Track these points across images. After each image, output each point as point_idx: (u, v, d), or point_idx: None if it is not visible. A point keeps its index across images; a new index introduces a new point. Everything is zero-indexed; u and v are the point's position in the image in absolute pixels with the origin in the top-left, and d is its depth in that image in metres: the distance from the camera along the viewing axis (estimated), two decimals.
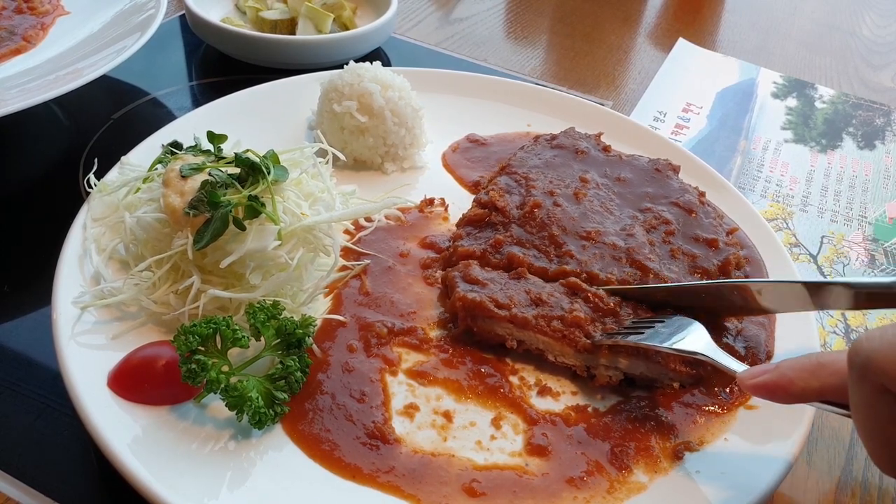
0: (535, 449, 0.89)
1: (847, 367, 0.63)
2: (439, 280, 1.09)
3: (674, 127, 1.63)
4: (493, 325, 0.98)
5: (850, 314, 1.22)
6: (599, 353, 0.95)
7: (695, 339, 0.91)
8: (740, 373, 0.81)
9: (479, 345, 1.00)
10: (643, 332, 0.93)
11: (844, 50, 2.06)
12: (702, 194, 1.21)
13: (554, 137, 1.30)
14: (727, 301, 0.99)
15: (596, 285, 1.02)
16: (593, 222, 1.11)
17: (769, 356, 1.02)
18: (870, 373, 0.60)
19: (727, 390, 0.96)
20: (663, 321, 0.96)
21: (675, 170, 1.25)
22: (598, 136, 1.33)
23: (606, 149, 1.29)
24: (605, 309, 0.99)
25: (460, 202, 1.23)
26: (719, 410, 0.95)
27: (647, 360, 0.95)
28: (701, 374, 0.96)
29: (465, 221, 1.14)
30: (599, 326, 0.98)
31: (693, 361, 0.94)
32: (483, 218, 1.13)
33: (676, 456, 0.89)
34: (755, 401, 0.95)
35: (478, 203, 1.16)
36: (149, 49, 1.36)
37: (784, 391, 0.74)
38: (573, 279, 1.02)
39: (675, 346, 0.90)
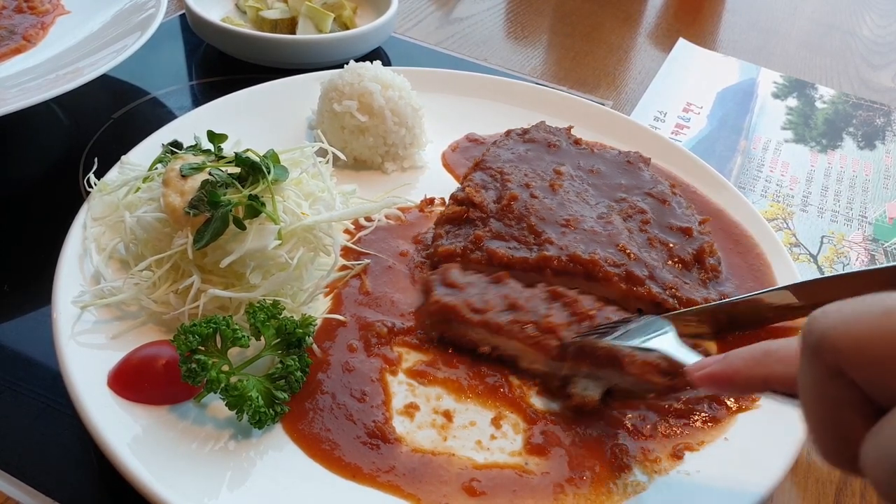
0: (534, 448, 0.89)
1: (799, 348, 0.58)
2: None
3: (674, 127, 1.63)
4: (466, 330, 0.97)
5: None
6: (566, 359, 0.93)
7: (657, 337, 0.88)
8: (688, 365, 0.78)
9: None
10: (607, 332, 0.91)
11: (844, 50, 2.06)
12: (673, 185, 1.23)
13: (525, 132, 1.31)
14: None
15: (581, 265, 1.03)
16: (571, 211, 1.12)
17: None
18: (823, 352, 0.54)
19: (709, 405, 0.95)
20: (630, 320, 0.93)
21: (646, 161, 1.27)
22: (569, 129, 1.34)
23: (577, 141, 1.31)
24: (582, 314, 0.97)
25: None
26: (720, 414, 0.94)
27: (620, 369, 0.90)
28: (678, 385, 0.90)
29: (444, 220, 1.14)
30: (574, 331, 0.95)
31: (671, 372, 0.91)
32: (461, 215, 1.13)
33: (676, 456, 0.89)
34: (756, 402, 0.95)
35: (454, 200, 1.16)
36: (149, 48, 1.36)
37: (729, 381, 0.71)
38: (558, 288, 1.01)
39: (630, 344, 0.87)
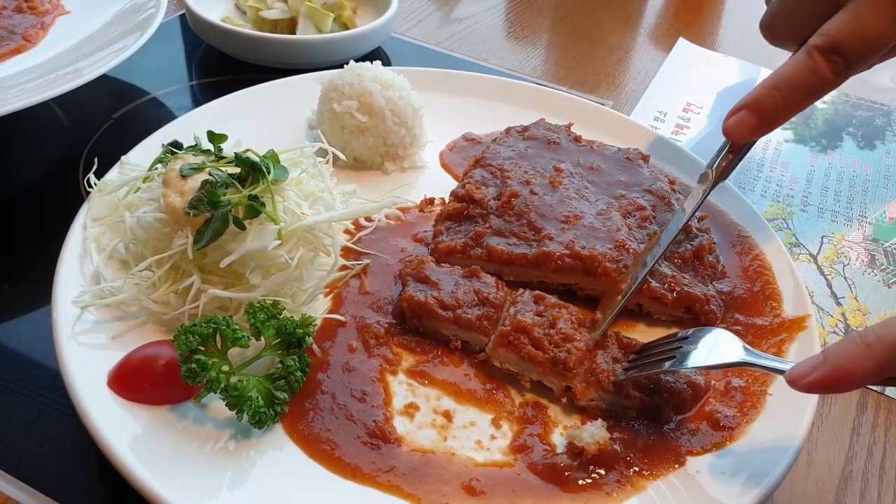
0: (527, 447, 0.89)
1: None
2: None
3: (674, 127, 1.63)
4: (437, 326, 0.99)
5: (849, 315, 1.22)
6: (623, 394, 0.92)
7: (728, 348, 0.87)
8: (788, 373, 0.77)
9: None
10: (673, 356, 0.89)
11: None
12: (672, 182, 1.23)
13: (525, 129, 1.32)
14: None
15: (580, 261, 1.03)
16: (570, 208, 1.12)
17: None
18: None
19: (676, 417, 0.93)
20: (687, 336, 0.92)
21: (646, 159, 1.28)
22: (569, 126, 1.35)
23: (577, 139, 1.31)
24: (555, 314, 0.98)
25: None
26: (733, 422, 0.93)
27: (599, 386, 0.91)
28: (657, 401, 0.92)
29: (444, 216, 1.15)
30: (544, 329, 0.96)
31: (647, 388, 0.92)
32: (461, 211, 1.14)
33: (679, 462, 0.89)
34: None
35: (455, 197, 1.16)
36: (149, 49, 1.36)
37: (844, 382, 0.71)
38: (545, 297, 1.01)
39: (711, 364, 0.86)
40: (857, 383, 0.71)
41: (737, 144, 1.02)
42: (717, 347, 0.88)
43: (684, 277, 1.07)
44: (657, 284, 1.04)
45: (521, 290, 1.03)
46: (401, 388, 0.94)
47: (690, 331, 0.93)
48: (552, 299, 1.01)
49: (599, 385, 0.91)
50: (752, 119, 0.94)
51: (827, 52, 0.89)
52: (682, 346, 0.90)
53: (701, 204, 1.05)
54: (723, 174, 1.04)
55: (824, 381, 0.72)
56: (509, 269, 1.08)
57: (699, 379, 0.95)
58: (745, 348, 0.86)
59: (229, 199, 0.95)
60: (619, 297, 1.01)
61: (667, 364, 0.89)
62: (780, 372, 0.80)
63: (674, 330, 1.06)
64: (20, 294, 1.09)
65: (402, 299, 1.00)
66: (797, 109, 0.95)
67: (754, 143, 1.03)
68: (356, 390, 0.92)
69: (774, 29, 0.98)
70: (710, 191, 1.05)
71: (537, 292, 1.01)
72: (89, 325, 0.93)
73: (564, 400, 0.94)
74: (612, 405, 0.93)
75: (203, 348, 0.85)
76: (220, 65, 1.64)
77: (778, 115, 0.94)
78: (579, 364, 0.93)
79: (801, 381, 0.74)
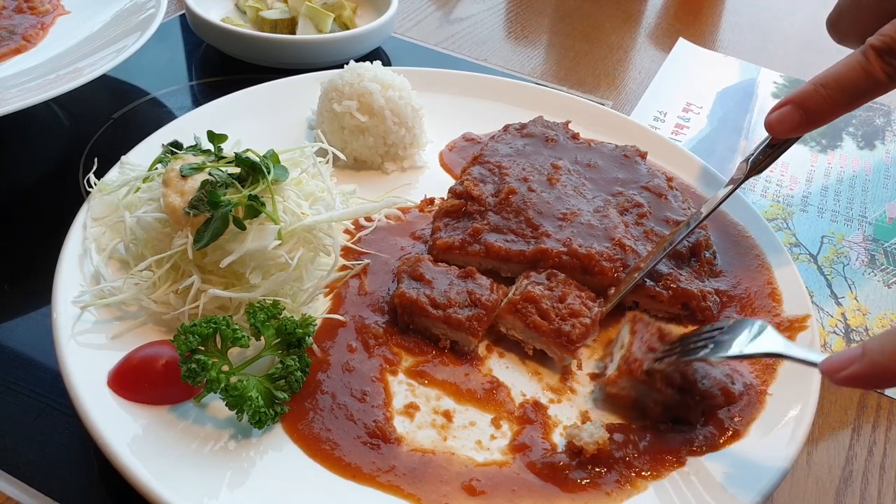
0: (523, 447, 0.89)
1: None
2: None
3: (674, 127, 1.63)
4: (427, 324, 0.99)
5: (849, 315, 1.22)
6: (654, 385, 0.91)
7: (766, 338, 0.84)
8: (824, 363, 0.75)
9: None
10: (708, 347, 0.87)
11: (844, 50, 2.05)
12: (670, 179, 1.24)
13: (523, 126, 1.32)
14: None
15: (577, 259, 1.04)
16: (568, 205, 1.13)
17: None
18: None
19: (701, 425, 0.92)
20: (723, 327, 0.90)
21: (643, 156, 1.28)
22: (566, 123, 1.35)
23: (575, 136, 1.32)
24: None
25: None
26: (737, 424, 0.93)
27: (630, 375, 0.91)
28: (688, 401, 0.90)
29: (443, 213, 1.15)
30: (552, 302, 0.99)
31: (681, 386, 0.90)
32: (459, 208, 1.14)
33: (679, 462, 0.89)
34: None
35: (453, 194, 1.17)
36: (149, 49, 1.36)
37: (881, 379, 0.70)
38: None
39: (748, 353, 0.84)
40: (894, 382, 0.69)
41: (777, 139, 1.00)
42: (756, 337, 0.85)
43: (681, 274, 1.08)
44: (651, 283, 1.05)
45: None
46: (401, 388, 0.94)
47: (729, 321, 0.91)
48: (564, 277, 1.03)
49: (631, 374, 0.91)
50: (796, 115, 0.92)
51: (883, 54, 0.85)
52: (717, 336, 0.88)
53: (733, 192, 1.06)
54: (758, 168, 1.03)
55: (861, 376, 0.70)
56: (507, 266, 1.08)
57: (735, 387, 0.92)
58: (782, 340, 0.83)
59: (229, 199, 0.95)
60: (636, 275, 1.02)
61: (702, 352, 0.86)
62: (814, 364, 0.78)
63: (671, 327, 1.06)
64: (20, 294, 1.09)
65: (395, 295, 1.01)
66: (844, 110, 0.92)
67: (796, 139, 1.02)
68: (356, 390, 0.92)
69: (840, 27, 0.95)
70: (742, 181, 1.04)
71: (551, 270, 1.04)
72: (89, 325, 0.93)
73: (564, 369, 0.98)
74: (642, 394, 0.92)
75: (203, 348, 0.85)
76: (220, 65, 1.64)
77: (823, 114, 0.92)
78: (582, 338, 0.97)
79: (837, 375, 0.72)
